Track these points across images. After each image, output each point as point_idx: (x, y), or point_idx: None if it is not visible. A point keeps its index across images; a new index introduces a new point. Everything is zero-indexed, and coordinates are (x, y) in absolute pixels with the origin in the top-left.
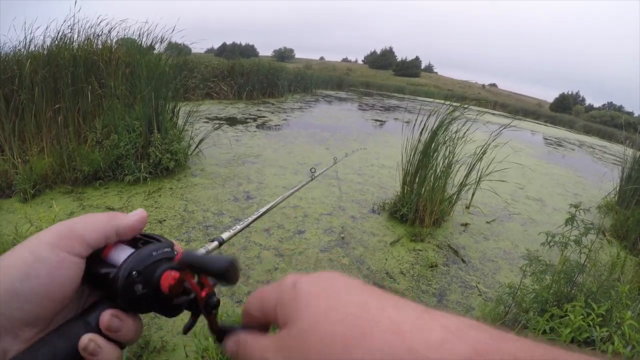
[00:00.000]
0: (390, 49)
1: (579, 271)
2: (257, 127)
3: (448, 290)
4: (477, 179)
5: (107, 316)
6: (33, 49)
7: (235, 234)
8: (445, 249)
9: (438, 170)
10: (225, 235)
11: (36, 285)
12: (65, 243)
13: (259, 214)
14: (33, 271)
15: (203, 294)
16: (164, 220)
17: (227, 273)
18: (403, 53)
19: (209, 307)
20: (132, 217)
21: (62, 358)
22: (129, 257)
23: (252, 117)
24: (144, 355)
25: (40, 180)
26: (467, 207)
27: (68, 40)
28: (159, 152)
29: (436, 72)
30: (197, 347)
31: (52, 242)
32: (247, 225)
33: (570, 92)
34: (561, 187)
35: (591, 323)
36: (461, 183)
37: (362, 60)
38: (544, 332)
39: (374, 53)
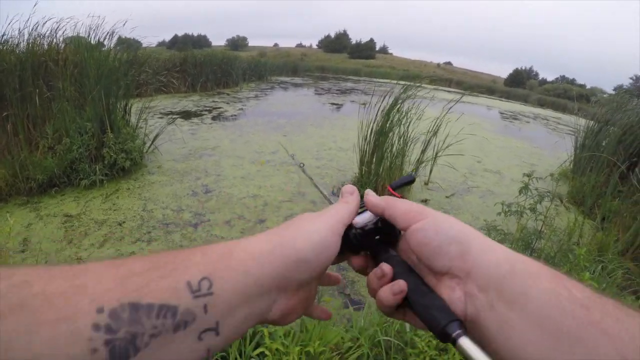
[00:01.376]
0: (345, 32)
1: (536, 237)
2: (213, 118)
3: None
4: (434, 155)
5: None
6: None
7: None
8: None
9: (394, 149)
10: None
11: (320, 256)
12: (337, 228)
13: None
14: (320, 247)
15: None
16: (124, 222)
17: (414, 179)
18: (357, 35)
19: None
20: (354, 201)
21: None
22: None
23: (207, 109)
24: None
25: None
26: (426, 184)
27: (12, 44)
28: (113, 153)
29: (391, 53)
30: None
31: (331, 228)
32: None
33: (523, 68)
34: (518, 158)
35: None
36: (418, 160)
37: (317, 45)
38: None
39: (328, 37)
